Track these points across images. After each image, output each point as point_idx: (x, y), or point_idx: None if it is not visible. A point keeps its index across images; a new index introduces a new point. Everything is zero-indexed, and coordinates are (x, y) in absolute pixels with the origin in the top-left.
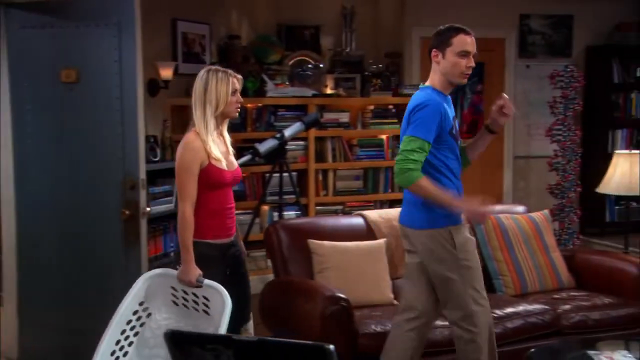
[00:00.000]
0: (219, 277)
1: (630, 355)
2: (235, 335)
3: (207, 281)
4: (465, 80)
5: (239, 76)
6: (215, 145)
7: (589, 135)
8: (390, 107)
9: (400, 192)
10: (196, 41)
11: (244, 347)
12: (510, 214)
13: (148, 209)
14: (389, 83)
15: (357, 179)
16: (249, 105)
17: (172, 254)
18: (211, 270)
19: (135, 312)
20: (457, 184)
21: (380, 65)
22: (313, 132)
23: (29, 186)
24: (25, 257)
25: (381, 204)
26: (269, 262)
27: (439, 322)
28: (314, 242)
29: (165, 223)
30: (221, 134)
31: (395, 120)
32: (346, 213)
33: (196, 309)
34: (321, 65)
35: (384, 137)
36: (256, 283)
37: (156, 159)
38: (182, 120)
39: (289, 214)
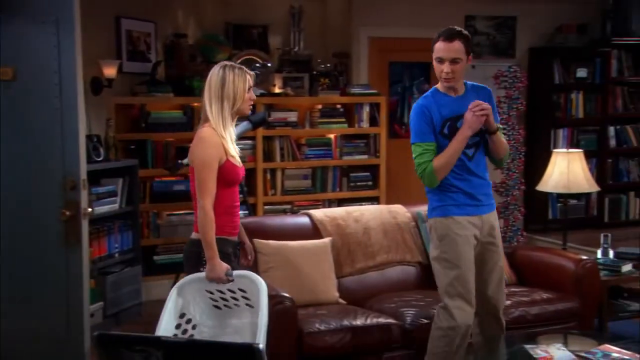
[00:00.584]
0: None
1: (564, 348)
2: (164, 337)
3: (236, 272)
4: (447, 83)
5: (252, 72)
6: (231, 142)
7: (532, 134)
8: (338, 106)
9: (348, 191)
10: (141, 39)
11: (173, 347)
12: None
13: (90, 209)
14: (337, 82)
15: (306, 178)
16: (195, 104)
17: (116, 254)
18: (230, 266)
19: (178, 326)
20: (466, 177)
21: (329, 65)
22: (261, 132)
23: None
24: None
25: (329, 203)
26: None
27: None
28: (259, 242)
29: (109, 224)
30: None
31: (343, 120)
32: (294, 212)
33: (237, 305)
34: (269, 65)
35: (332, 136)
36: None
37: (100, 159)
38: (126, 119)
39: None
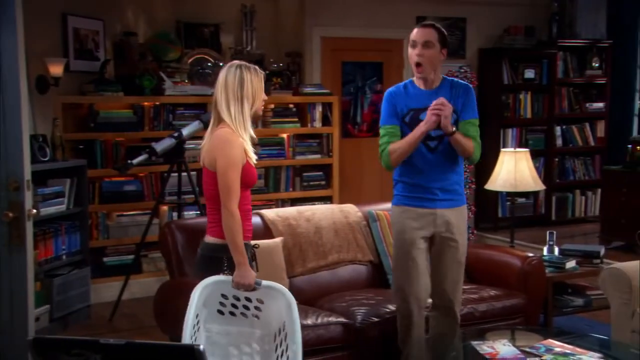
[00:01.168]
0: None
1: (509, 344)
2: (102, 340)
3: (264, 282)
4: (418, 74)
5: (263, 72)
6: (250, 143)
7: (482, 133)
8: (291, 106)
9: (301, 190)
10: (89, 37)
11: (112, 350)
12: None
13: (35, 210)
14: (289, 82)
15: (258, 178)
16: (145, 103)
17: (64, 256)
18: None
19: (195, 325)
20: (424, 169)
21: (281, 64)
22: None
23: None
24: None
25: (283, 203)
26: None
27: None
28: None
29: (56, 225)
30: None
31: (296, 119)
32: None
33: (245, 315)
34: (221, 64)
35: (284, 136)
36: (154, 285)
37: (46, 159)
38: (74, 118)
39: (190, 213)
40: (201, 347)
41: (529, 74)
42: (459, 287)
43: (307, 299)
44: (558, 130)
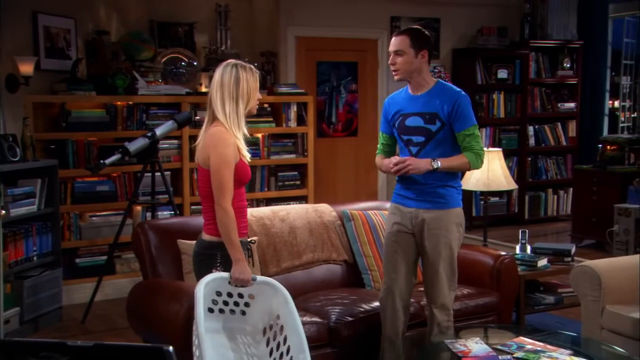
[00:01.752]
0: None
1: (481, 342)
2: (70, 342)
3: (259, 277)
4: (395, 76)
5: (258, 72)
6: (243, 141)
7: None
8: (266, 105)
9: (276, 190)
10: (60, 36)
11: (80, 352)
12: (379, 210)
13: (4, 211)
14: (264, 82)
15: None
16: (118, 103)
17: (35, 258)
18: None
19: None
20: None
21: (256, 64)
22: (187, 131)
23: None
24: None
25: (258, 203)
26: None
27: None
28: (183, 242)
29: (26, 226)
30: None
31: (271, 119)
32: None
33: (233, 311)
34: (195, 63)
35: (259, 135)
36: (128, 286)
37: (16, 159)
38: (46, 118)
39: (164, 214)
40: (170, 348)
41: (502, 74)
42: (438, 286)
43: None
44: (531, 129)
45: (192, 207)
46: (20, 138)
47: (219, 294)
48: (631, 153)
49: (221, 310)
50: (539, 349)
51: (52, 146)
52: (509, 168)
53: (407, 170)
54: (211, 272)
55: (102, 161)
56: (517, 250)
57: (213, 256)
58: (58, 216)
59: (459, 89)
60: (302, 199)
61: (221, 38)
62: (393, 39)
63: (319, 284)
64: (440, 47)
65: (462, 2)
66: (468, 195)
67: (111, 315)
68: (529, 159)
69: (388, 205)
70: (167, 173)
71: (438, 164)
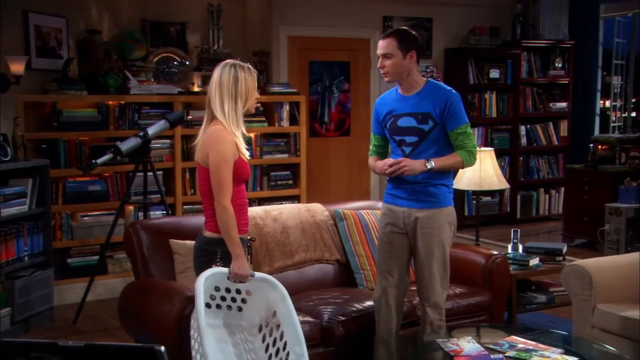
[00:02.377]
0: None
1: (473, 341)
2: (61, 342)
3: (257, 274)
4: (385, 78)
5: (256, 71)
6: (242, 139)
7: None
8: (258, 105)
9: (268, 190)
10: (51, 35)
11: (71, 353)
12: (372, 210)
13: None
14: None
15: None
16: (110, 102)
17: (26, 258)
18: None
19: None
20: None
21: (248, 64)
22: (179, 130)
23: None
24: None
25: (250, 202)
26: None
27: None
28: (175, 242)
29: (17, 226)
30: None
31: (263, 119)
32: None
33: (229, 307)
34: (187, 63)
35: (252, 135)
36: (120, 286)
37: (7, 159)
38: (37, 117)
39: (156, 213)
40: (162, 348)
41: (494, 73)
42: (430, 285)
43: None
44: (523, 129)
45: (185, 206)
46: (11, 138)
47: (217, 289)
48: (622, 152)
49: (218, 306)
50: (530, 347)
51: (44, 146)
52: (501, 167)
53: (402, 172)
54: (211, 267)
55: (93, 161)
56: (509, 250)
57: (213, 252)
58: (49, 216)
59: (449, 88)
60: (295, 199)
61: (213, 37)
62: (380, 41)
63: (311, 283)
64: (433, 47)
65: (454, 2)
66: (460, 194)
67: (103, 315)
68: (521, 158)
69: (380, 204)
70: (159, 173)
71: (432, 164)
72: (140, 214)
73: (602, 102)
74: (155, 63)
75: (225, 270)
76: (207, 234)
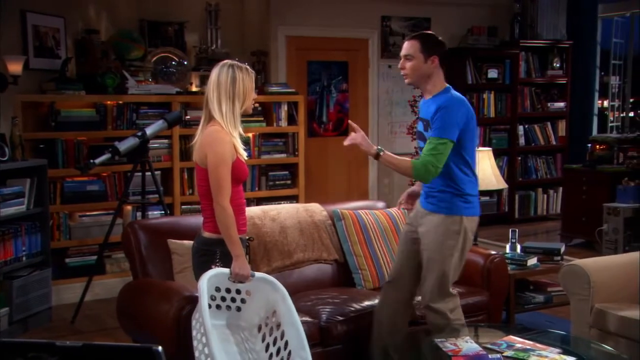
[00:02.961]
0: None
1: (471, 341)
2: (59, 342)
3: (257, 274)
4: (405, 80)
5: (254, 72)
6: (239, 139)
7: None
8: (257, 105)
9: (266, 190)
10: (49, 35)
11: (69, 352)
12: (370, 209)
13: None
14: (255, 81)
15: None
16: (108, 102)
17: (24, 258)
18: None
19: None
20: None
21: (247, 64)
22: (177, 130)
23: None
24: None
25: (248, 202)
26: None
27: None
28: (173, 242)
29: (15, 226)
30: None
31: (262, 118)
32: None
33: (228, 307)
34: (185, 63)
35: (250, 135)
36: (118, 286)
37: (4, 159)
38: (35, 117)
39: (154, 213)
40: (159, 348)
41: (492, 73)
42: (423, 287)
43: None
44: (521, 129)
45: (183, 206)
46: (9, 137)
47: (217, 289)
48: (620, 152)
49: (218, 307)
50: (528, 347)
51: (42, 146)
52: (499, 167)
53: (352, 139)
54: (210, 268)
55: (91, 161)
56: (507, 250)
57: (212, 252)
58: (47, 216)
59: (450, 98)
60: (293, 199)
61: (211, 37)
62: (404, 42)
63: (309, 283)
64: None
65: (452, 1)
66: None
67: (101, 315)
68: (519, 158)
69: (379, 204)
70: (158, 173)
71: (379, 151)
72: (139, 214)
73: (600, 102)
74: (154, 63)
75: (227, 270)
76: (206, 234)
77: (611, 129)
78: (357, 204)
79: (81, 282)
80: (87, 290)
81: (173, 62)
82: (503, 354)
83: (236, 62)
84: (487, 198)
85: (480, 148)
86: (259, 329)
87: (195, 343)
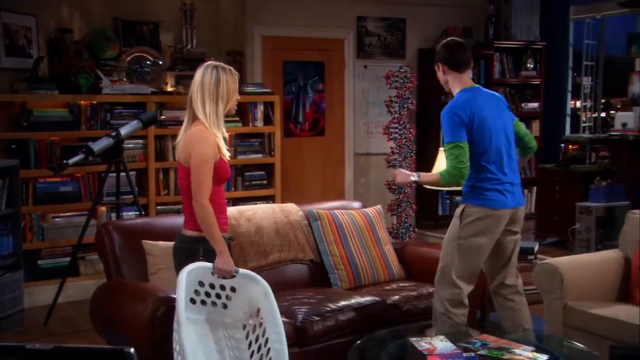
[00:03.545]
0: None
1: (446, 340)
2: (29, 345)
3: (241, 270)
4: None
5: (237, 73)
6: (223, 140)
7: (422, 133)
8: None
9: (243, 190)
10: (20, 33)
11: (39, 355)
12: (346, 209)
13: None
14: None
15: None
16: (82, 102)
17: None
18: None
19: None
20: None
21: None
22: (152, 130)
23: None
24: None
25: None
26: None
27: None
28: (148, 243)
29: None
30: None
31: (237, 119)
32: None
33: (214, 303)
34: (160, 62)
35: (226, 135)
36: (93, 287)
37: None
38: (6, 117)
39: (129, 214)
40: (131, 349)
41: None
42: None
43: None
44: None
45: (158, 207)
46: None
47: (201, 284)
48: (592, 152)
49: (203, 302)
50: (502, 346)
51: (13, 146)
52: None
53: (397, 184)
54: None
55: (65, 161)
56: None
57: (195, 250)
58: (19, 217)
59: (448, 105)
60: (269, 199)
61: (187, 37)
62: None
63: (285, 283)
64: (406, 48)
65: (427, 2)
66: (434, 194)
67: (74, 317)
68: None
69: (355, 204)
70: (132, 173)
71: (417, 177)
72: (113, 215)
73: (572, 102)
74: (128, 62)
75: (209, 265)
76: (188, 232)
77: (583, 129)
78: (333, 204)
79: (54, 284)
80: (60, 292)
81: (148, 62)
82: (477, 353)
83: (220, 64)
84: (457, 198)
85: None
86: (244, 326)
87: (174, 335)
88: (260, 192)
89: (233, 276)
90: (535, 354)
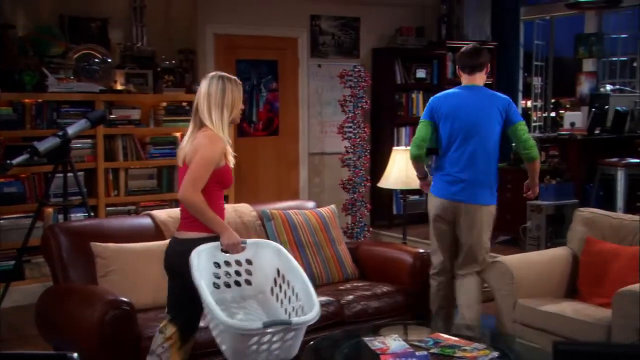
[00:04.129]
0: None
1: (400, 339)
2: None
3: (249, 240)
4: None
5: (241, 83)
6: (229, 146)
7: (377, 132)
8: (184, 104)
9: None
10: None
11: None
12: (300, 209)
13: None
14: (182, 79)
15: (151, 178)
16: (26, 100)
17: None
18: None
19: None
20: None
21: (173, 62)
22: (102, 130)
23: None
24: None
25: (176, 203)
26: None
27: None
28: (97, 245)
29: None
30: None
31: (190, 118)
32: (139, 214)
33: (238, 282)
34: (109, 60)
35: (178, 134)
36: (39, 291)
37: None
38: None
39: (77, 215)
40: (75, 354)
41: (421, 73)
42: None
43: None
44: None
45: (108, 208)
46: None
47: (217, 265)
48: (542, 152)
49: (227, 284)
50: (454, 344)
51: None
52: (428, 167)
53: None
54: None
55: (9, 161)
56: None
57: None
58: None
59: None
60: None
61: (137, 35)
62: None
63: None
64: (360, 47)
65: (381, 1)
66: (388, 193)
67: (20, 322)
68: None
69: (309, 204)
70: (81, 173)
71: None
72: (61, 217)
73: (524, 102)
74: (75, 60)
75: (215, 243)
76: (184, 235)
77: (534, 129)
78: (286, 204)
79: None
80: (4, 296)
81: (96, 60)
82: (430, 351)
83: (225, 74)
84: (416, 197)
85: (409, 147)
86: (272, 291)
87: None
88: None
89: (243, 248)
90: (486, 351)
